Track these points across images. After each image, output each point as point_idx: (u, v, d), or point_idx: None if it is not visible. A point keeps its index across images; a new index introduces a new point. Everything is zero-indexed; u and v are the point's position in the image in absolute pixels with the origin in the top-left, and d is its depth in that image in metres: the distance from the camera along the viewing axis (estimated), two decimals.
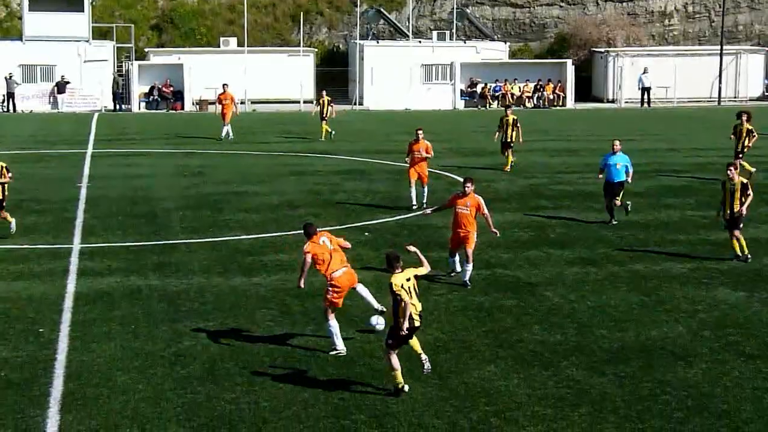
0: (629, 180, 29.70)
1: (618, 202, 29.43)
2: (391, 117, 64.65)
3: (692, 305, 21.27)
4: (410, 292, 16.09)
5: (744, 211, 24.82)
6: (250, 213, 31.25)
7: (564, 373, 17.22)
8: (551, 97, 72.90)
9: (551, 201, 33.27)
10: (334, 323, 18.33)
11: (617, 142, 29.71)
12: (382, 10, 77.94)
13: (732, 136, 37.80)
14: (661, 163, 42.16)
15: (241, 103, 68.32)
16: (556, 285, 22.83)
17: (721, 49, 74.72)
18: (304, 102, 69.79)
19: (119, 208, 32.12)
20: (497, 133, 40.50)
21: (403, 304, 15.85)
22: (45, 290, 22.33)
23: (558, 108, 72.06)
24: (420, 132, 31.92)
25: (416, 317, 16.10)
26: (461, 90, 72.63)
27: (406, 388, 16.13)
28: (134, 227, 29.14)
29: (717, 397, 16.22)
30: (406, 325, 15.85)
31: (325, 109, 50.74)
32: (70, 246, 26.69)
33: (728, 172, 25.01)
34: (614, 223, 29.26)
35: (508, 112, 40.55)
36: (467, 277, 22.63)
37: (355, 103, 70.58)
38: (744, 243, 25.08)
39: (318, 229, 19.15)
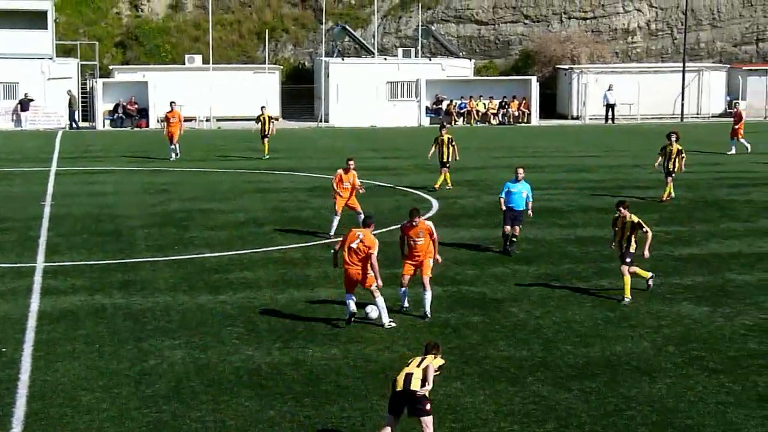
0: (529, 212, 27.93)
1: (517, 232, 27.71)
2: (357, 134, 64.71)
3: (656, 320, 21.40)
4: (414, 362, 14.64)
5: (646, 254, 23.25)
6: (215, 230, 31.17)
7: (530, 389, 17.28)
8: (516, 113, 73.17)
9: None
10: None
11: (521, 170, 28.04)
12: (347, 27, 78.03)
13: (659, 157, 36.70)
14: (626, 179, 42.39)
15: (206, 120, 68.32)
16: (521, 301, 22.90)
17: (684, 66, 75.30)
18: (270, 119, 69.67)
19: (84, 226, 31.96)
20: (431, 151, 39.84)
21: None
22: (8, 309, 22.17)
23: (523, 125, 72.32)
24: (351, 162, 30.73)
25: (399, 381, 14.35)
26: (427, 107, 72.78)
27: None
28: (99, 245, 29.00)
29: (681, 412, 16.31)
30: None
31: (266, 127, 49.76)
32: (34, 264, 26.53)
33: (618, 211, 23.50)
34: (510, 253, 27.50)
35: (443, 131, 39.65)
36: (427, 308, 21.61)
37: (320, 120, 70.59)
38: (628, 283, 23.05)
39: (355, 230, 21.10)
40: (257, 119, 50.70)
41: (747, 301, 22.93)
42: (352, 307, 21.00)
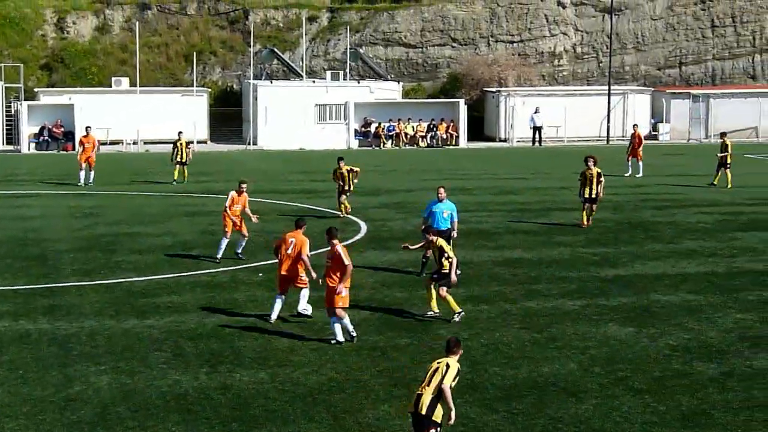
0: (454, 233, 27.82)
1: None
2: (286, 157, 64.64)
3: (583, 342, 21.59)
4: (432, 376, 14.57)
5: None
6: (143, 254, 30.93)
7: (458, 411, 17.24)
8: (444, 136, 73.53)
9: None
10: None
11: (442, 189, 28.18)
12: (275, 50, 78.03)
13: (579, 181, 36.09)
14: (553, 201, 42.76)
15: (134, 143, 67.83)
16: (449, 323, 22.98)
17: (609, 89, 76.25)
18: (198, 142, 69.45)
19: (8, 250, 31.55)
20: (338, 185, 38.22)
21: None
22: None
23: (451, 147, 72.70)
24: (244, 185, 30.29)
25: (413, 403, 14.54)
26: (355, 129, 72.91)
27: None
28: (24, 270, 28.64)
29: None
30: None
31: (182, 153, 48.77)
32: None
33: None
34: (423, 276, 26.90)
35: (341, 164, 37.98)
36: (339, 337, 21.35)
37: (249, 143, 70.40)
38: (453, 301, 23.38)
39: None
40: (174, 145, 49.55)
41: (671, 321, 23.22)
42: (278, 307, 22.75)
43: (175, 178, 48.81)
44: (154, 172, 53.82)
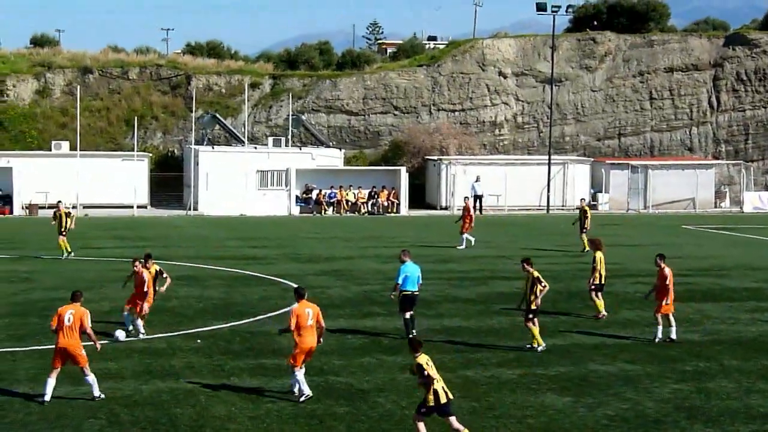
0: (392, 295, 28.94)
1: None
2: (226, 223, 64.45)
3: (521, 410, 21.57)
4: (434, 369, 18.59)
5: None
6: None
7: None
8: (386, 203, 73.82)
9: (384, 307, 33.41)
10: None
11: (407, 252, 29.00)
12: (217, 115, 78.14)
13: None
14: (493, 269, 42.92)
15: (73, 207, 67.33)
16: (388, 391, 22.89)
17: (549, 159, 77.06)
18: (138, 207, 69.15)
19: None
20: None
21: (430, 379, 18.41)
22: None
23: (392, 214, 72.94)
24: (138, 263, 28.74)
25: (442, 392, 18.39)
26: (297, 196, 73.00)
27: None
28: None
29: None
30: (431, 397, 18.34)
31: (63, 222, 45.27)
32: None
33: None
34: (413, 334, 27.79)
35: (149, 262, 30.56)
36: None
37: (189, 209, 70.17)
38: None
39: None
40: (54, 216, 46.22)
41: (609, 391, 23.28)
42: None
43: (69, 250, 45.27)
44: (92, 237, 53.40)
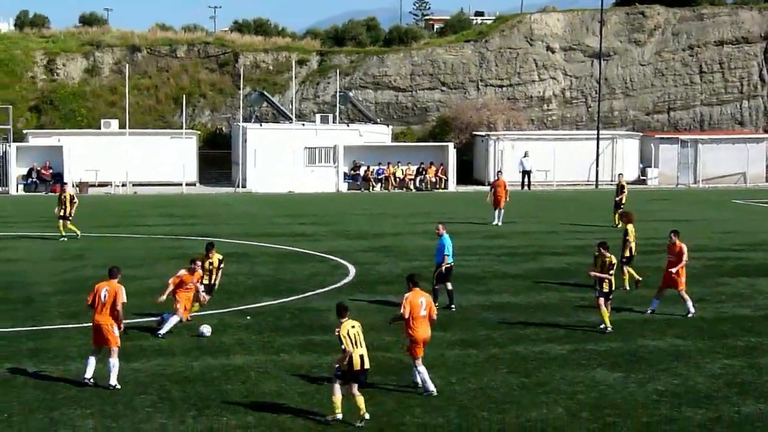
0: (442, 267, 29.02)
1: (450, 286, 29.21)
2: (275, 200, 64.63)
3: (571, 386, 21.51)
4: (354, 339, 18.93)
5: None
6: (129, 297, 30.55)
7: None
8: (434, 179, 73.66)
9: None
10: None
11: (440, 226, 29.43)
12: (265, 92, 78.22)
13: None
14: (542, 245, 42.76)
15: (122, 185, 67.83)
16: (437, 367, 22.88)
17: (598, 134, 76.53)
18: (187, 184, 69.50)
19: None
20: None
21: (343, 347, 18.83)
22: None
23: (440, 191, 72.81)
24: (198, 264, 27.12)
25: (357, 360, 18.77)
26: (344, 173, 73.00)
27: (339, 416, 18.72)
28: (8, 313, 28.50)
29: None
30: (344, 362, 18.76)
31: (67, 206, 43.84)
32: None
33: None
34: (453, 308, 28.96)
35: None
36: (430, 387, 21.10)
37: (238, 186, 70.41)
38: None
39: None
40: (58, 199, 44.45)
41: (659, 366, 23.16)
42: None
43: (62, 233, 43.80)
44: (142, 215, 53.78)
